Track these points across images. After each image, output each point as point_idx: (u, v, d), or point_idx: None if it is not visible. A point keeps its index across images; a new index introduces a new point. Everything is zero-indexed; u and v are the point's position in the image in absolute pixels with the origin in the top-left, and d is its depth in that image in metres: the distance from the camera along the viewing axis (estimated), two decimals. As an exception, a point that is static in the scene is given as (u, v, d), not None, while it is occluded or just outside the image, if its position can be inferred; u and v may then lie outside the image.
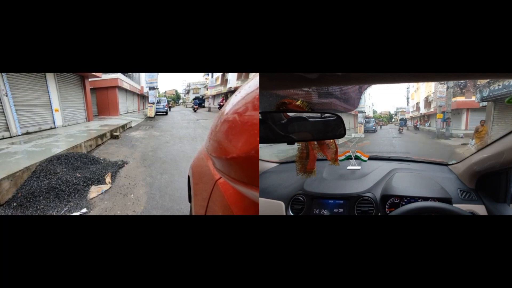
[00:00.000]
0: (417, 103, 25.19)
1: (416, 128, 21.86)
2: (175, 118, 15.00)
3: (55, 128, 7.62)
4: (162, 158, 4.89)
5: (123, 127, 9.02)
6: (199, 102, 30.56)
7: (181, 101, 49.35)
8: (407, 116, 28.61)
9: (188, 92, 47.30)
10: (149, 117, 14.59)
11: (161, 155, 5.18)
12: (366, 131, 16.75)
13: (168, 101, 29.51)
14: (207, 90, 34.23)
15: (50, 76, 7.51)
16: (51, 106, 7.67)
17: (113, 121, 10.48)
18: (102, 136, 6.32)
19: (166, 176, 3.78)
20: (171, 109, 28.53)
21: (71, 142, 5.01)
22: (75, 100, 9.62)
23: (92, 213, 2.63)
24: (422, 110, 22.93)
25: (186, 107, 36.09)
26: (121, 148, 5.79)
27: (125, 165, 4.32)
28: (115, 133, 7.13)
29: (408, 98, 29.35)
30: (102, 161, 4.34)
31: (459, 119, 14.47)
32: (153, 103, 14.89)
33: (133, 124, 10.86)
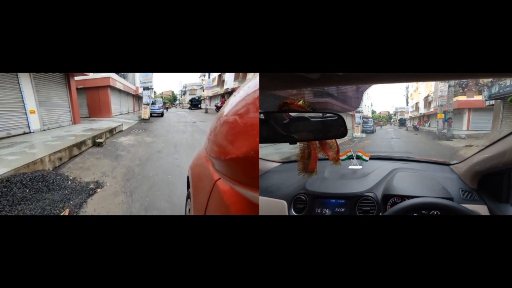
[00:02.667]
0: (417, 103, 24.57)
1: (415, 128, 21.26)
2: (171, 120, 13.69)
3: (29, 133, 6.32)
4: (150, 178, 3.67)
5: (111, 131, 7.71)
6: (196, 103, 29.24)
7: (177, 102, 47.72)
8: (406, 116, 27.99)
9: (184, 93, 45.85)
10: (144, 119, 13.26)
11: (150, 172, 3.98)
12: (364, 131, 16.17)
13: (165, 102, 28.26)
14: (203, 91, 32.94)
15: (24, 73, 6.17)
16: (24, 107, 6.32)
17: (102, 124, 9.28)
18: (80, 144, 5.03)
19: (153, 213, 2.51)
20: (168, 110, 27.12)
21: (32, 156, 3.68)
22: (58, 100, 8.38)
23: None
24: (422, 110, 22.31)
25: (183, 108, 34.50)
26: (101, 160, 4.54)
27: (98, 189, 3.09)
28: (98, 140, 5.83)
29: (407, 98, 28.78)
30: (68, 183, 3.09)
31: (460, 119, 13.64)
32: (148, 104, 13.54)
33: (124, 127, 9.57)
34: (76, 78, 10.18)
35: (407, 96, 28.60)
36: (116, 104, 15.75)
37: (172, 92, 54.95)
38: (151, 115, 14.92)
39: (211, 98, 27.14)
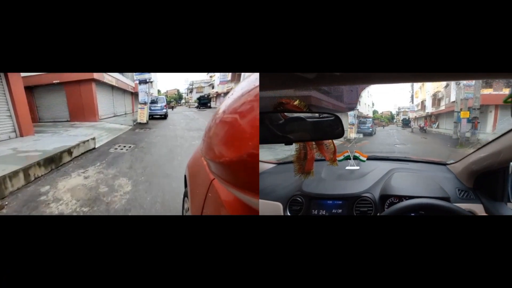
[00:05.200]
0: (422, 101, 21.72)
1: (423, 130, 17.62)
2: (177, 125, 9.73)
3: None
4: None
5: (52, 162, 3.65)
6: (205, 102, 25.61)
7: (183, 101, 43.79)
8: (411, 116, 24.91)
9: (191, 91, 41.86)
10: (140, 123, 9.33)
11: None
12: (360, 133, 13.93)
13: (169, 101, 24.40)
14: (212, 88, 29.05)
15: None
16: None
17: (65, 137, 5.76)
18: None
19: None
20: (174, 110, 23.22)
21: None
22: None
23: None
24: (429, 109, 19.40)
25: (189, 107, 30.45)
26: None
27: None
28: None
29: (412, 96, 25.50)
30: None
31: (483, 118, 10.47)
32: (145, 103, 9.62)
33: (104, 140, 5.76)
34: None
35: (412, 94, 25.65)
36: (107, 103, 12.56)
37: (178, 90, 51.01)
38: (151, 117, 11.10)
39: (224, 95, 23.15)
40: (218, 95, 23.32)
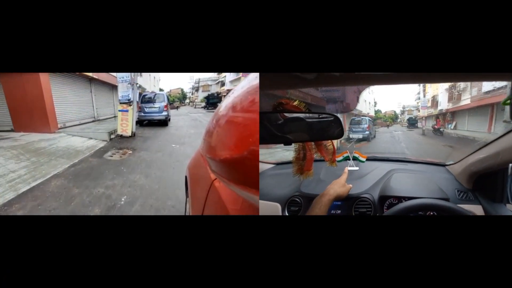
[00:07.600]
0: (433, 97, 18.91)
1: (437, 131, 13.75)
2: (186, 142, 5.77)
3: None
4: None
5: None
6: (214, 101, 21.90)
7: (187, 100, 39.60)
8: (420, 114, 21.26)
9: (196, 90, 37.75)
10: (122, 136, 5.16)
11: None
12: (351, 137, 9.44)
13: (172, 101, 20.31)
14: (222, 85, 25.02)
15: None
16: None
17: None
18: None
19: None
20: (179, 109, 19.14)
21: None
22: None
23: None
24: (444, 106, 16.13)
25: (195, 107, 26.36)
26: None
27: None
28: None
29: (423, 91, 22.24)
30: None
31: None
32: (129, 102, 5.44)
33: None
34: None
35: (424, 89, 22.32)
36: (82, 103, 8.65)
37: (182, 89, 46.85)
38: (148, 122, 7.96)
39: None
40: (223, 94, 19.72)
